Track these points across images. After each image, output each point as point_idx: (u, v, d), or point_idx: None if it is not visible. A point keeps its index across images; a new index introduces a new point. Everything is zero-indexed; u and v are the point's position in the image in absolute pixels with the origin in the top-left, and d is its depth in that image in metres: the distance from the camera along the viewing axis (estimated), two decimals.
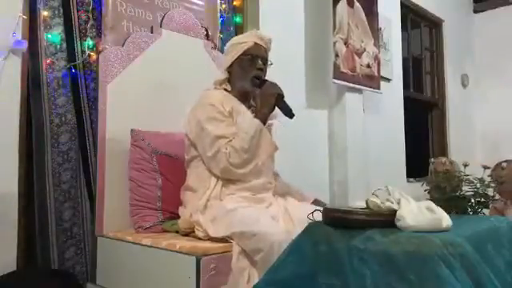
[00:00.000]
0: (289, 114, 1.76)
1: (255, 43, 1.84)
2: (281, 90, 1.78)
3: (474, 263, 1.02)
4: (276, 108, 1.79)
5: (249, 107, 1.87)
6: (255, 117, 1.75)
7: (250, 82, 1.83)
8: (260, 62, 1.84)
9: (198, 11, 2.55)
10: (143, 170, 1.95)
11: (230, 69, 1.88)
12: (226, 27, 2.78)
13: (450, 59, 5.04)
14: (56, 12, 2.11)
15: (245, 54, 1.83)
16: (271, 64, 1.92)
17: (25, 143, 1.94)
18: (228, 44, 1.92)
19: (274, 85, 1.79)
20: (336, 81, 3.13)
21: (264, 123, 1.74)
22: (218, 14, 2.68)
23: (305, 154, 3.10)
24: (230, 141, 1.71)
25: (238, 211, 1.61)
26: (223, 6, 2.76)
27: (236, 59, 1.84)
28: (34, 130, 2.00)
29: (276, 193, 1.87)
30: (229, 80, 1.89)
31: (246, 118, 1.78)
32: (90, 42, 2.17)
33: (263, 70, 1.86)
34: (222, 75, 1.90)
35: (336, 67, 3.13)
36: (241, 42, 1.86)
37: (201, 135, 1.75)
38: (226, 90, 1.88)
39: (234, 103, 1.83)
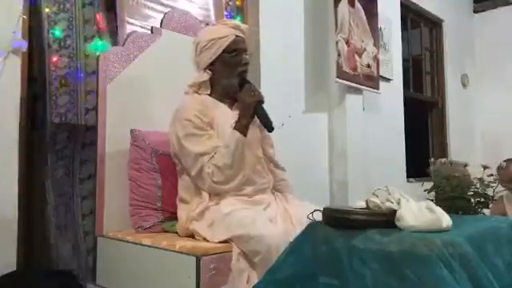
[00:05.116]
0: (267, 126, 1.65)
1: (236, 36, 1.71)
2: (260, 96, 1.66)
3: (473, 263, 1.02)
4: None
5: (233, 103, 1.76)
6: (234, 128, 1.65)
7: (238, 77, 1.71)
8: (245, 56, 1.73)
9: (199, 11, 2.55)
10: (143, 169, 1.94)
11: (210, 67, 1.74)
12: None
13: (450, 59, 5.04)
14: (61, 6, 2.09)
15: (228, 50, 1.70)
16: (250, 55, 1.82)
17: (25, 143, 1.93)
18: (204, 39, 1.74)
19: (253, 90, 1.67)
20: (339, 80, 3.14)
21: (245, 134, 1.65)
22: (225, 13, 2.67)
23: (305, 154, 3.10)
24: (213, 156, 1.64)
25: (234, 214, 1.58)
26: (230, 3, 2.75)
27: (218, 57, 1.71)
28: (34, 130, 1.99)
29: (274, 189, 1.85)
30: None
31: (226, 129, 1.67)
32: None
33: (248, 64, 1.75)
34: (202, 76, 1.75)
35: (339, 66, 3.13)
36: (221, 37, 1.70)
37: (182, 153, 1.70)
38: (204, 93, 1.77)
39: (216, 108, 1.73)
